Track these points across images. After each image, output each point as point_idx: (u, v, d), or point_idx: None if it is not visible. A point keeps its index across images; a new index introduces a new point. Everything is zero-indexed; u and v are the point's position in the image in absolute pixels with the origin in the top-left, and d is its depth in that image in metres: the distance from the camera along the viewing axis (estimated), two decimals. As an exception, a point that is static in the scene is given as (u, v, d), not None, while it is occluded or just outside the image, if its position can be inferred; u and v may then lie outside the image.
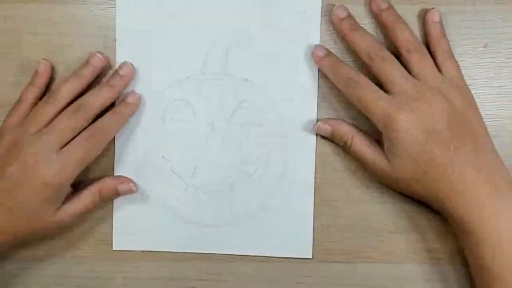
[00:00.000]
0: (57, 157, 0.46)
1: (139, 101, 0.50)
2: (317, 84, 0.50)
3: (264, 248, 0.51)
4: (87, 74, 0.49)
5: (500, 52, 0.50)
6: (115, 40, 0.51)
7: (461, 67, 0.48)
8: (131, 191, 0.50)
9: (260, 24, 0.50)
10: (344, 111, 0.50)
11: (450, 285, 0.50)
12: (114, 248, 0.51)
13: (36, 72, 0.50)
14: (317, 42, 0.50)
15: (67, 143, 0.47)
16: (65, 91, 0.48)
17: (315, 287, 0.51)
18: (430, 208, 0.49)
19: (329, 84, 0.50)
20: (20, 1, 0.51)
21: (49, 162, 0.45)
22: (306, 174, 0.50)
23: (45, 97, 0.49)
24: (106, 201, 0.50)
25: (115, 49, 0.51)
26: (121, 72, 0.49)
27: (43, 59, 0.50)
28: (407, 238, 0.50)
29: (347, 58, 0.50)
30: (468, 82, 0.48)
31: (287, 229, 0.51)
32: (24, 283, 0.51)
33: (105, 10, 0.51)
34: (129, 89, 0.50)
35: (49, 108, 0.47)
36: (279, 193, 0.50)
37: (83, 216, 0.50)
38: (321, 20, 0.50)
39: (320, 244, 0.50)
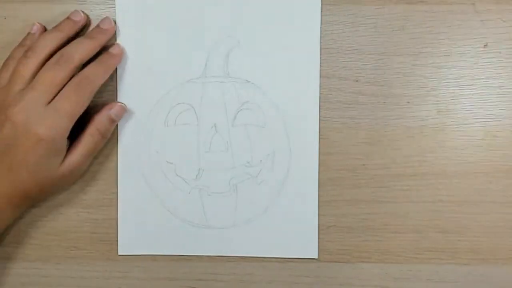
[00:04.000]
0: (45, 112, 0.45)
1: (122, 52, 0.50)
2: (318, 83, 0.50)
3: (270, 250, 0.51)
4: (66, 28, 0.48)
5: (500, 52, 0.50)
6: (115, 41, 0.50)
7: (461, 67, 0.49)
8: (123, 110, 0.50)
9: (260, 26, 0.50)
10: (345, 111, 0.50)
11: (450, 285, 0.50)
12: (120, 253, 0.51)
13: (28, 33, 0.49)
14: (317, 43, 0.50)
15: (54, 97, 0.46)
16: (43, 44, 0.47)
17: (315, 287, 0.51)
18: (430, 208, 0.50)
19: (330, 83, 0.50)
20: (20, 1, 0.50)
21: (39, 118, 0.45)
22: (310, 174, 0.50)
23: (24, 51, 0.47)
24: (107, 136, 0.49)
25: (115, 49, 0.51)
26: (102, 26, 0.49)
27: (37, 22, 0.49)
28: (407, 238, 0.50)
29: (347, 58, 0.50)
30: (468, 82, 0.49)
31: (293, 230, 0.51)
32: (27, 283, 0.52)
33: (105, 10, 0.51)
34: (129, 85, 0.50)
35: (29, 63, 0.46)
36: (283, 194, 0.51)
37: (89, 161, 0.49)
38: (321, 20, 0.50)
39: (320, 244, 0.51)
